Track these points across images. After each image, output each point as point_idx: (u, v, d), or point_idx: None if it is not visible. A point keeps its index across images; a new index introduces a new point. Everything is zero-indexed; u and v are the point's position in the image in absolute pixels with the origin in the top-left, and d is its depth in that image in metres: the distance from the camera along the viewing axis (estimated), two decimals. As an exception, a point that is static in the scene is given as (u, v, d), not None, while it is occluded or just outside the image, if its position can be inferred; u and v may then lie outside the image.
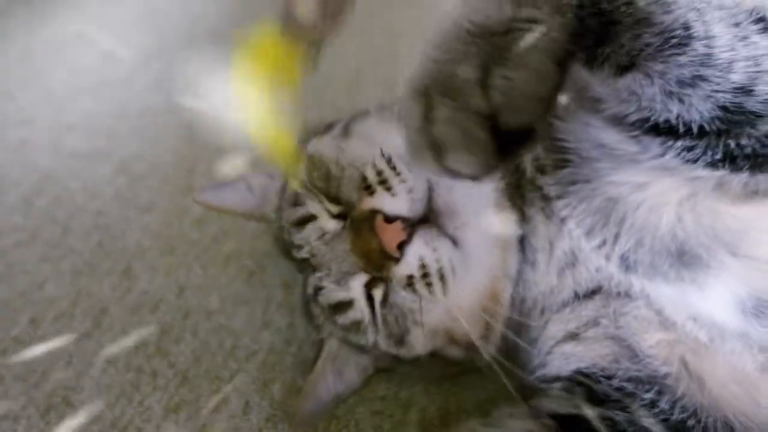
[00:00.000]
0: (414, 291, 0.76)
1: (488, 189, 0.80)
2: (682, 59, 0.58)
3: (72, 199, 1.33)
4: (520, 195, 0.83)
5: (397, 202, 0.74)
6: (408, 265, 0.74)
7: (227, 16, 1.98)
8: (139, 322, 1.09)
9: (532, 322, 0.82)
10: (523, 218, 0.83)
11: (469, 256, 0.76)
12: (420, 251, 0.73)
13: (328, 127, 0.92)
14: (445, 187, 0.75)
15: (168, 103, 1.53)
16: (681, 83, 0.59)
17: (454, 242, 0.74)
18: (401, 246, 0.72)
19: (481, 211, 0.78)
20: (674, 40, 0.58)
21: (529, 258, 0.84)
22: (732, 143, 0.62)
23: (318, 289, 0.83)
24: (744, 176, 0.64)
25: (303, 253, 0.84)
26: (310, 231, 0.83)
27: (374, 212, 0.74)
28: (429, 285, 0.74)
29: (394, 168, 0.76)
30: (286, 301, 1.11)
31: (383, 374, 0.96)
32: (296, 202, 0.86)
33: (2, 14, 1.95)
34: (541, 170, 0.80)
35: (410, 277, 0.74)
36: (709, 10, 0.61)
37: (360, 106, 0.95)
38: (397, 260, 0.73)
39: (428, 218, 0.74)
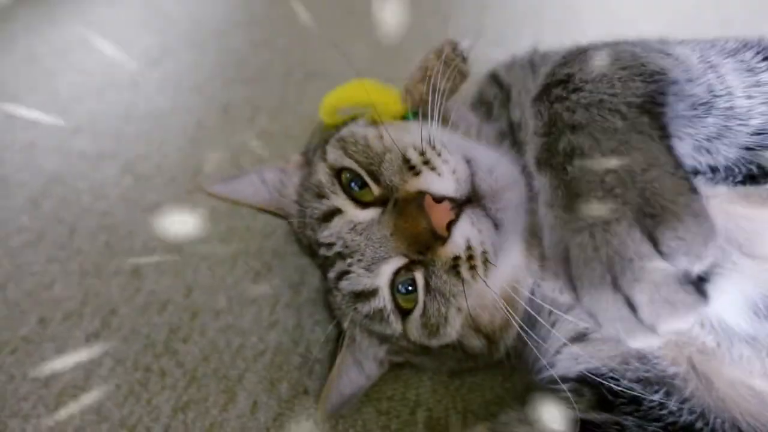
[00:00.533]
0: (457, 275, 0.75)
1: (516, 173, 0.81)
2: (710, 120, 0.64)
3: (78, 201, 1.34)
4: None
5: (444, 182, 0.74)
6: (455, 245, 0.74)
7: (229, 19, 2.00)
8: (148, 322, 1.09)
9: (542, 320, 0.82)
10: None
11: (507, 241, 0.77)
12: (467, 232, 0.74)
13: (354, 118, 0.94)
14: (486, 169, 0.76)
15: (173, 104, 1.56)
16: (709, 138, 0.64)
17: (496, 225, 0.75)
18: (449, 226, 0.73)
19: (520, 197, 0.78)
20: (702, 107, 0.63)
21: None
22: (754, 167, 0.66)
23: (343, 274, 0.82)
24: (764, 188, 0.67)
25: (335, 249, 0.83)
26: (339, 225, 0.82)
27: (421, 193, 0.74)
28: (473, 268, 0.75)
29: (434, 148, 0.77)
30: (293, 302, 1.11)
31: (390, 374, 0.97)
32: (320, 194, 0.86)
33: (7, 17, 1.97)
34: None
35: (456, 259, 0.75)
36: (720, 60, 0.67)
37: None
38: (444, 241, 0.74)
39: (471, 200, 0.75)
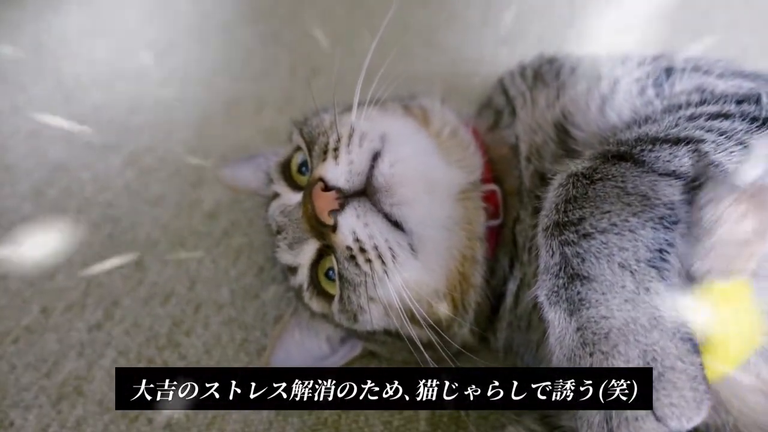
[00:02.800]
0: (357, 266, 0.77)
1: (452, 174, 0.83)
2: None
3: (82, 190, 1.33)
4: (518, 199, 0.87)
5: (336, 171, 0.76)
6: (342, 235, 0.75)
7: (237, 11, 1.99)
8: (150, 314, 1.09)
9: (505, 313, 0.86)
10: (517, 218, 0.88)
11: (416, 235, 0.77)
12: (351, 223, 0.75)
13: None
14: (387, 162, 0.77)
15: (179, 97, 1.56)
16: None
17: (392, 220, 0.76)
18: (335, 215, 0.75)
19: (436, 193, 0.79)
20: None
21: (520, 256, 0.87)
22: None
23: (275, 248, 0.89)
24: None
25: (272, 227, 0.89)
26: (273, 207, 0.89)
27: (320, 179, 0.76)
28: (369, 261, 0.76)
29: (350, 138, 0.78)
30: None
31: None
32: (270, 180, 0.93)
33: (15, 5, 1.96)
34: (543, 181, 0.82)
35: (350, 249, 0.76)
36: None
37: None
38: (333, 229, 0.75)
39: (365, 193, 0.76)
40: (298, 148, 0.90)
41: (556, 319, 0.61)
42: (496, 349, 0.95)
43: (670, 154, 0.63)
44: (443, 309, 0.84)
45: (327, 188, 0.75)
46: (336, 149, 0.78)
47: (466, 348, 0.90)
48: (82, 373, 1.00)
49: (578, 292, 0.60)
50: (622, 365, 0.55)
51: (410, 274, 0.79)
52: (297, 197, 0.86)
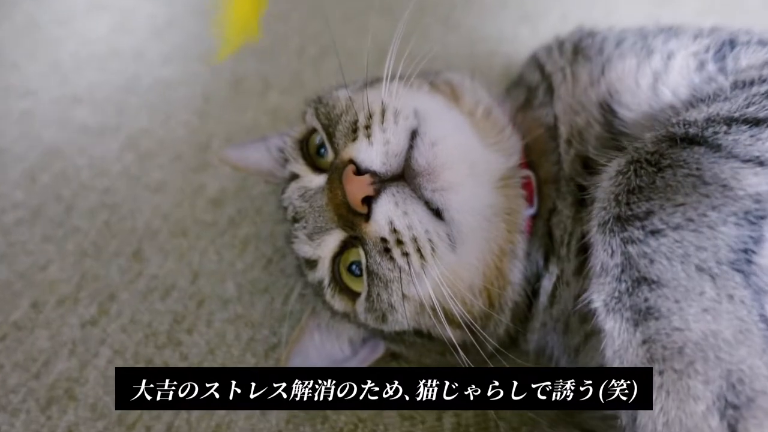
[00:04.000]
0: (391, 260, 0.69)
1: (490, 158, 0.75)
2: None
3: (78, 176, 1.25)
4: (555, 187, 0.80)
5: (371, 153, 0.67)
6: (377, 225, 0.67)
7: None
8: (150, 310, 1.01)
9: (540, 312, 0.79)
10: (554, 209, 0.80)
11: (457, 225, 0.69)
12: (389, 212, 0.67)
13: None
14: (428, 142, 0.68)
15: (180, 74, 1.47)
16: None
17: (432, 208, 0.67)
18: (369, 202, 0.67)
19: (478, 178, 0.71)
20: None
21: (557, 251, 0.79)
22: None
23: (292, 238, 0.80)
24: None
25: (289, 212, 0.81)
26: (292, 189, 0.80)
27: (351, 161, 0.68)
28: (406, 255, 0.68)
29: (383, 115, 0.69)
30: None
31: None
32: (285, 158, 0.85)
33: (7, -20, 1.86)
34: (586, 167, 0.75)
35: (384, 241, 0.68)
36: None
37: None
38: (365, 218, 0.68)
39: (403, 177, 0.67)
40: (313, 130, 0.81)
41: (616, 329, 0.54)
42: (525, 350, 0.87)
43: (752, 137, 0.55)
44: (479, 306, 0.76)
45: (360, 171, 0.67)
46: (368, 127, 0.69)
47: (499, 350, 0.83)
48: (75, 374, 0.93)
49: (645, 299, 0.52)
50: (701, 386, 0.48)
51: (448, 268, 0.71)
52: (319, 180, 0.77)
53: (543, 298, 0.82)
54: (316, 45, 1.56)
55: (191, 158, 1.27)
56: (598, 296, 0.56)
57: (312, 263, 0.79)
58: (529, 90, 0.91)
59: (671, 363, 0.49)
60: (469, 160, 0.71)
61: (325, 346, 0.87)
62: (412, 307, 0.75)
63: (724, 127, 0.57)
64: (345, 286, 0.78)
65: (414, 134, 0.68)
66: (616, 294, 0.54)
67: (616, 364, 0.54)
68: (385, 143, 0.67)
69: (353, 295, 0.78)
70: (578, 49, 0.86)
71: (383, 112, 0.70)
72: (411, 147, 0.67)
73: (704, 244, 0.51)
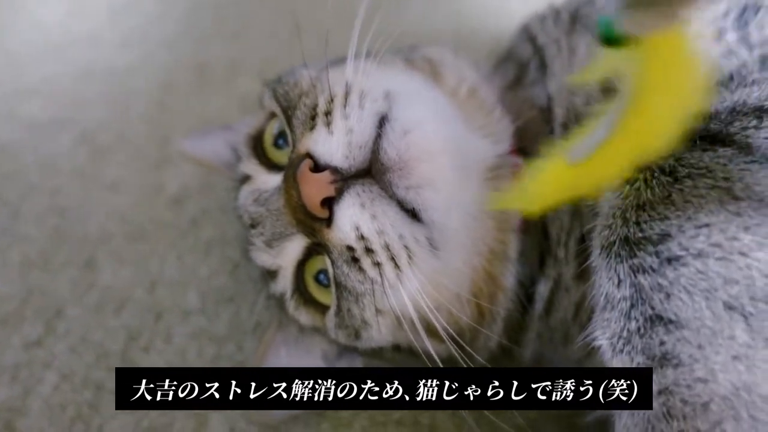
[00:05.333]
0: (361, 270, 0.61)
1: (477, 144, 0.66)
2: None
3: (25, 176, 1.16)
4: None
5: (330, 144, 0.58)
6: (341, 231, 0.59)
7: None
8: (102, 326, 0.93)
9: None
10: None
11: (438, 228, 0.60)
12: (353, 216, 0.58)
13: None
14: (399, 130, 0.57)
15: (139, 62, 1.38)
16: None
17: (407, 208, 0.58)
18: (330, 205, 0.58)
19: (462, 170, 0.62)
20: None
21: (553, 252, 0.72)
22: None
23: (248, 246, 0.72)
24: None
25: (244, 220, 0.72)
26: (245, 194, 0.72)
27: (308, 155, 0.59)
28: (378, 264, 0.59)
29: (347, 98, 0.60)
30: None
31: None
32: (239, 157, 0.76)
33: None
34: None
35: (351, 249, 0.60)
36: None
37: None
38: (327, 223, 0.59)
39: (371, 173, 0.58)
40: (273, 115, 0.72)
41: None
42: (520, 361, 0.79)
43: None
44: (467, 317, 0.68)
45: (318, 168, 0.57)
46: (328, 113, 0.60)
47: (492, 362, 0.75)
48: (16, 403, 0.85)
49: (661, 342, 0.45)
50: None
51: (429, 277, 0.62)
52: (275, 180, 0.69)
53: (539, 305, 0.74)
54: (289, 24, 1.45)
55: (150, 153, 1.18)
56: (602, 334, 0.49)
57: (272, 273, 0.71)
58: (519, 66, 0.82)
59: (693, 422, 0.43)
60: (451, 149, 0.61)
61: (293, 362, 0.80)
62: (389, 321, 0.67)
63: (755, 121, 0.48)
64: (311, 298, 0.70)
65: (383, 120, 0.58)
66: (625, 334, 0.47)
67: (625, 418, 0.48)
68: (347, 132, 0.58)
69: (321, 308, 0.70)
70: (576, 17, 0.77)
71: (347, 95, 0.60)
72: (379, 136, 0.58)
73: (735, 276, 0.43)
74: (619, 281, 0.48)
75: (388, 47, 0.71)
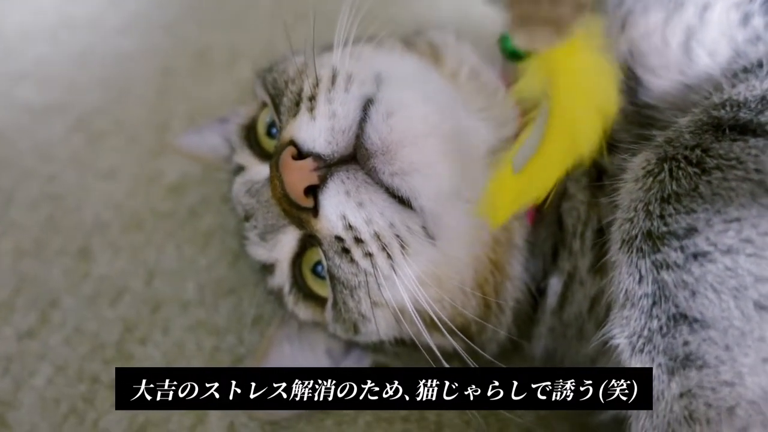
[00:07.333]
0: (352, 262, 0.60)
1: (477, 127, 0.66)
2: None
3: (18, 162, 1.14)
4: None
5: (313, 130, 0.58)
6: (327, 221, 0.58)
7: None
8: (97, 317, 0.91)
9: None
10: (564, 192, 0.70)
11: (431, 215, 0.59)
12: (339, 204, 0.57)
13: None
14: (382, 112, 0.56)
15: (137, 47, 1.36)
16: None
17: (397, 195, 0.57)
18: (315, 193, 0.57)
19: (457, 154, 0.60)
20: None
21: (568, 243, 0.70)
22: None
23: (243, 240, 0.72)
24: None
25: (239, 211, 0.72)
26: (238, 186, 0.72)
27: (292, 143, 0.59)
28: (369, 255, 0.58)
29: (333, 82, 0.58)
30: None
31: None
32: (233, 149, 0.76)
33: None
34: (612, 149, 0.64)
35: (340, 240, 0.59)
36: None
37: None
38: (313, 213, 0.58)
39: (356, 158, 0.57)
40: (264, 105, 0.71)
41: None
42: (531, 356, 0.78)
43: None
44: (472, 308, 0.67)
45: (301, 155, 0.56)
46: (312, 98, 0.58)
47: (501, 357, 0.73)
48: (7, 396, 0.84)
49: (685, 342, 0.44)
50: None
51: (426, 268, 0.61)
52: (267, 170, 0.67)
53: (551, 299, 0.72)
54: (290, 10, 1.43)
55: (148, 140, 1.17)
56: (620, 332, 0.48)
57: (269, 268, 0.70)
58: None
59: (718, 427, 0.41)
60: (447, 132, 0.60)
61: (297, 359, 0.78)
62: (388, 314, 0.66)
63: None
64: (310, 291, 0.69)
65: (369, 103, 0.57)
66: (645, 332, 0.46)
67: (643, 419, 0.47)
68: (330, 117, 0.57)
69: (321, 302, 0.69)
70: None
71: (333, 79, 0.59)
72: (363, 119, 0.56)
73: (767, 274, 0.42)
74: (641, 277, 0.47)
75: (396, 34, 0.70)
